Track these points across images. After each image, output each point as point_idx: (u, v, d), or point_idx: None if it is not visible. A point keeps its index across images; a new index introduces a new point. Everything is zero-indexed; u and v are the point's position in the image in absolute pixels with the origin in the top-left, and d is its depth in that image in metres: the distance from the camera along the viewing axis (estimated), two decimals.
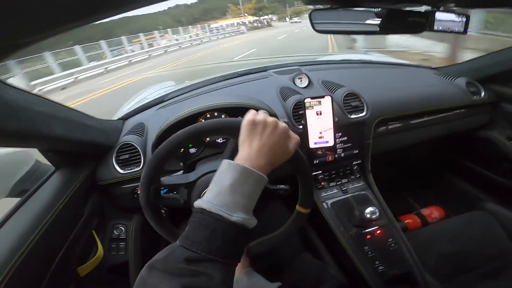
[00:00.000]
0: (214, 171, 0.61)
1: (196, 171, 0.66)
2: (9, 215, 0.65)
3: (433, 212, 1.29)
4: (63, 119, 0.69)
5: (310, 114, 0.82)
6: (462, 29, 0.71)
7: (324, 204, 0.95)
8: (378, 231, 0.91)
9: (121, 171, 0.85)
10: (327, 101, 0.80)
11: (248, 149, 0.46)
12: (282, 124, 0.49)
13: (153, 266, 0.36)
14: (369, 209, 0.87)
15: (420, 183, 1.56)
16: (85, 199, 0.82)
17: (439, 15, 0.67)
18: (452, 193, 1.42)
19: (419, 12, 0.68)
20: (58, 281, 0.64)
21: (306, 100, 0.80)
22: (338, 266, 0.96)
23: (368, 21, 0.73)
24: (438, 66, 1.29)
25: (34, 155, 0.83)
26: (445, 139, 1.17)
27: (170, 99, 1.10)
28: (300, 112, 0.92)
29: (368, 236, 0.89)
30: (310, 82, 1.06)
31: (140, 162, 0.86)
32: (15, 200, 0.74)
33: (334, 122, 0.81)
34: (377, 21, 0.70)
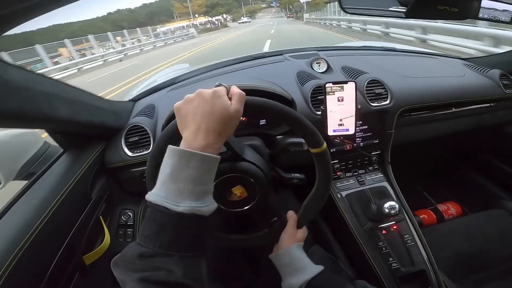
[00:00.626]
0: (257, 166, 0.60)
1: (243, 151, 0.62)
2: (15, 199, 0.63)
3: (450, 208, 1.25)
4: (69, 99, 0.65)
5: (330, 99, 0.77)
6: (508, 19, 0.68)
7: (339, 195, 0.91)
8: (395, 227, 0.87)
9: (130, 154, 0.82)
10: (350, 87, 0.74)
11: (187, 131, 0.41)
12: (207, 90, 0.43)
13: (116, 264, 0.36)
14: (388, 204, 0.83)
15: (437, 177, 1.50)
16: (93, 183, 0.80)
17: (485, 3, 0.65)
18: (471, 189, 1.37)
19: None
20: (64, 269, 0.62)
21: (327, 85, 0.75)
22: (349, 260, 0.93)
23: (394, 8, 0.70)
24: (468, 57, 1.22)
25: (42, 136, 0.81)
26: (468, 133, 1.11)
27: (182, 81, 1.06)
28: (319, 98, 0.87)
29: (384, 231, 0.85)
30: (329, 67, 1.01)
31: (150, 144, 0.83)
32: (21, 183, 0.72)
33: (357, 110, 0.77)
34: (403, 9, 0.68)
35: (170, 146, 0.40)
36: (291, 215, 0.68)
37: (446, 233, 1.04)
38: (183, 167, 0.37)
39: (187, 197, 0.37)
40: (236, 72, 1.07)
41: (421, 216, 1.20)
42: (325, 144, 0.54)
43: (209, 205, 0.39)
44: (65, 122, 0.64)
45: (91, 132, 0.80)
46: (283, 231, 0.68)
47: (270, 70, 1.07)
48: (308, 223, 0.68)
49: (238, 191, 0.59)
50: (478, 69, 1.11)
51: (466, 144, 1.37)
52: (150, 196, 0.38)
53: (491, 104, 1.06)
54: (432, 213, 1.23)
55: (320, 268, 0.61)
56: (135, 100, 1.01)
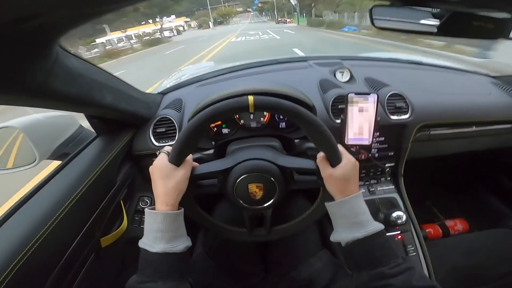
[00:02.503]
0: (252, 159, 0.62)
1: (233, 157, 0.66)
2: (49, 178, 0.67)
3: (457, 224, 1.26)
4: (114, 88, 0.71)
5: (351, 110, 0.79)
6: None
7: None
8: (399, 236, 0.91)
9: (156, 143, 0.87)
10: (372, 99, 0.77)
11: (154, 194, 0.56)
12: (156, 160, 0.57)
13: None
14: (396, 213, 0.87)
15: (448, 194, 1.51)
16: (119, 168, 0.85)
17: None
18: (480, 207, 1.37)
19: (491, 17, 0.63)
20: (82, 249, 0.65)
21: (350, 95, 0.77)
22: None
23: (425, 21, 0.70)
24: (497, 75, 1.18)
25: (78, 119, 0.86)
26: (486, 152, 1.11)
27: (209, 78, 1.10)
28: (339, 107, 0.89)
29: None
30: (352, 77, 1.02)
31: (175, 136, 0.88)
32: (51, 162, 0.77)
33: (376, 121, 0.79)
34: (436, 22, 0.68)
35: (146, 209, 0.55)
36: (318, 156, 0.59)
37: (449, 248, 1.06)
38: (153, 223, 0.53)
39: (160, 242, 0.52)
40: (260, 75, 1.10)
41: (427, 230, 1.21)
42: (250, 98, 0.52)
43: (179, 245, 0.53)
44: (108, 108, 0.69)
45: (125, 120, 0.85)
46: (323, 176, 0.58)
47: (294, 76, 1.09)
48: (336, 156, 0.56)
49: (254, 189, 0.61)
50: (506, 88, 1.08)
51: (481, 162, 1.37)
52: (139, 242, 0.54)
53: None
54: (438, 227, 1.23)
55: (377, 228, 0.54)
56: (164, 93, 1.06)
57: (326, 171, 0.57)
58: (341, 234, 0.56)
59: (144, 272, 0.51)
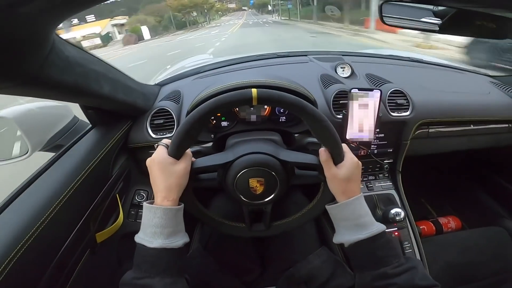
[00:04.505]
0: (253, 153, 0.61)
1: (234, 150, 0.64)
2: (43, 170, 0.65)
3: (450, 222, 1.28)
4: (111, 79, 0.68)
5: (353, 105, 0.79)
6: None
7: None
8: (396, 233, 0.91)
9: (153, 135, 0.86)
10: (375, 95, 0.77)
11: (154, 189, 0.55)
12: (154, 155, 0.55)
13: (121, 285, 0.50)
14: (394, 210, 0.87)
15: (441, 191, 1.53)
16: (115, 160, 0.83)
17: None
18: (473, 206, 1.39)
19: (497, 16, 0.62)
20: (78, 245, 0.63)
21: (353, 91, 0.77)
22: (348, 262, 0.96)
23: (428, 19, 0.70)
24: (496, 75, 1.20)
25: (73, 110, 0.83)
26: (480, 150, 1.12)
27: (207, 71, 1.09)
28: (341, 102, 0.89)
29: None
30: (353, 72, 1.02)
31: (173, 128, 0.86)
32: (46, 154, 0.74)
33: (378, 118, 0.79)
34: (438, 20, 0.68)
35: (144, 203, 0.54)
36: (321, 154, 0.57)
37: (442, 245, 1.08)
38: (152, 218, 0.52)
39: (158, 237, 0.50)
40: (260, 68, 1.09)
41: (421, 227, 1.22)
42: (254, 91, 0.51)
43: (177, 241, 0.52)
44: (105, 98, 0.67)
45: (121, 111, 0.83)
46: (326, 176, 0.58)
47: (295, 70, 1.08)
48: (340, 153, 0.56)
49: (255, 183, 0.60)
50: (505, 88, 1.09)
51: (476, 161, 1.39)
52: (136, 237, 0.52)
53: (510, 125, 1.04)
54: (432, 224, 1.25)
55: (380, 228, 0.54)
56: (161, 84, 1.04)
57: (330, 171, 0.56)
58: (344, 236, 0.56)
59: (141, 268, 0.50)
